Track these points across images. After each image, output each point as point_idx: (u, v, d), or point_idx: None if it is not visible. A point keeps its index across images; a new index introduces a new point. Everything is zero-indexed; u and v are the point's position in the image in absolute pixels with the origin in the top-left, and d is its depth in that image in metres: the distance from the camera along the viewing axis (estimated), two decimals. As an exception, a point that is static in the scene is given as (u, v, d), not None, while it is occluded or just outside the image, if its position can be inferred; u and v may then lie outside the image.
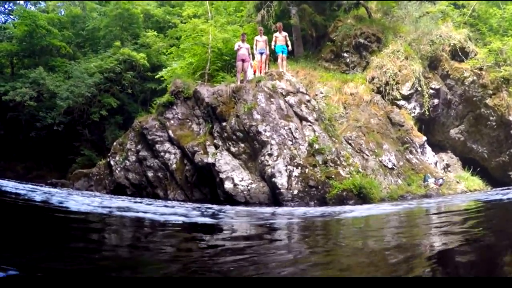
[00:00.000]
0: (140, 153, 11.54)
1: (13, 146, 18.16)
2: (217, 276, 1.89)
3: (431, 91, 13.81)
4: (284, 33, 11.97)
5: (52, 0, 23.83)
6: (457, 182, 12.69)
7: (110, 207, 6.43)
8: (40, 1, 24.99)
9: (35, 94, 16.89)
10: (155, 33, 19.08)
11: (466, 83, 14.51)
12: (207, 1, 16.44)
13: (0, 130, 18.26)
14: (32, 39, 18.66)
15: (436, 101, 13.99)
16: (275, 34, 11.88)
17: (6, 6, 24.33)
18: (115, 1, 19.47)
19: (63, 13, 23.54)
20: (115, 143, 12.77)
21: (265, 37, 11.79)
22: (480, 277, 1.72)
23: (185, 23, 17.32)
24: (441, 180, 11.64)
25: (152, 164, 11.24)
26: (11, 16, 23.76)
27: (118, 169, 11.95)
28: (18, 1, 24.23)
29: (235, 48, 11.22)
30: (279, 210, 7.65)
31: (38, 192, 8.06)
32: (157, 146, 11.12)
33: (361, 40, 13.96)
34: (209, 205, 7.77)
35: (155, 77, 16.28)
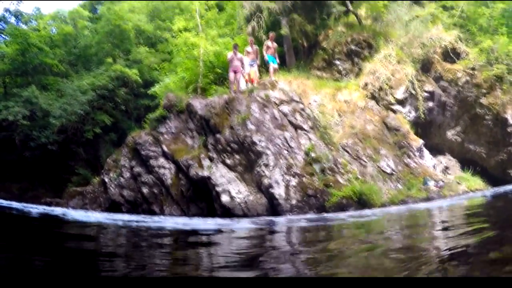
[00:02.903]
0: (134, 169, 11.36)
1: (8, 166, 17.89)
2: (217, 276, 1.77)
3: (425, 94, 13.75)
4: (275, 44, 11.95)
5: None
6: (458, 183, 12.57)
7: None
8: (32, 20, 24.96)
9: (28, 113, 16.63)
10: (147, 48, 19.03)
11: (460, 83, 14.50)
12: (198, 14, 16.42)
13: (-7, 150, 17.99)
14: (24, 57, 18.48)
15: (430, 103, 13.93)
16: (266, 42, 11.83)
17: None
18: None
19: (54, 31, 23.49)
20: (108, 160, 12.60)
21: (256, 47, 11.74)
22: (480, 277, 1.60)
23: (175, 37, 17.29)
24: (441, 182, 11.54)
25: (146, 180, 11.05)
26: (3, 35, 23.71)
27: (113, 186, 11.77)
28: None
29: (228, 58, 11.15)
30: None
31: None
32: (151, 161, 10.96)
33: (353, 47, 13.94)
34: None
35: (148, 93, 16.18)
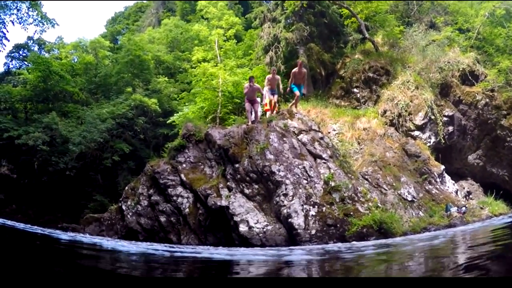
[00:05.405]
0: (152, 198, 11.36)
1: (25, 190, 18.14)
2: (217, 277, 1.73)
3: (445, 118, 13.56)
4: (304, 70, 11.54)
5: None
6: (481, 208, 12.26)
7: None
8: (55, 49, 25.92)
9: (48, 139, 16.85)
10: (166, 78, 19.34)
11: (479, 106, 14.29)
12: (216, 45, 16.76)
13: (12, 173, 18.31)
14: (45, 84, 18.87)
15: (450, 128, 13.70)
16: (294, 70, 11.49)
17: (20, 52, 25.27)
18: None
19: (76, 60, 24.27)
20: (126, 188, 12.64)
21: (277, 77, 11.58)
22: (480, 277, 1.52)
23: (194, 67, 17.57)
24: (464, 208, 11.26)
25: (164, 209, 11.02)
26: (25, 62, 24.52)
27: (130, 214, 11.75)
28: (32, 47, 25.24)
29: (244, 91, 11.17)
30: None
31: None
32: (169, 190, 10.95)
33: (370, 74, 13.92)
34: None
35: (167, 122, 16.32)
